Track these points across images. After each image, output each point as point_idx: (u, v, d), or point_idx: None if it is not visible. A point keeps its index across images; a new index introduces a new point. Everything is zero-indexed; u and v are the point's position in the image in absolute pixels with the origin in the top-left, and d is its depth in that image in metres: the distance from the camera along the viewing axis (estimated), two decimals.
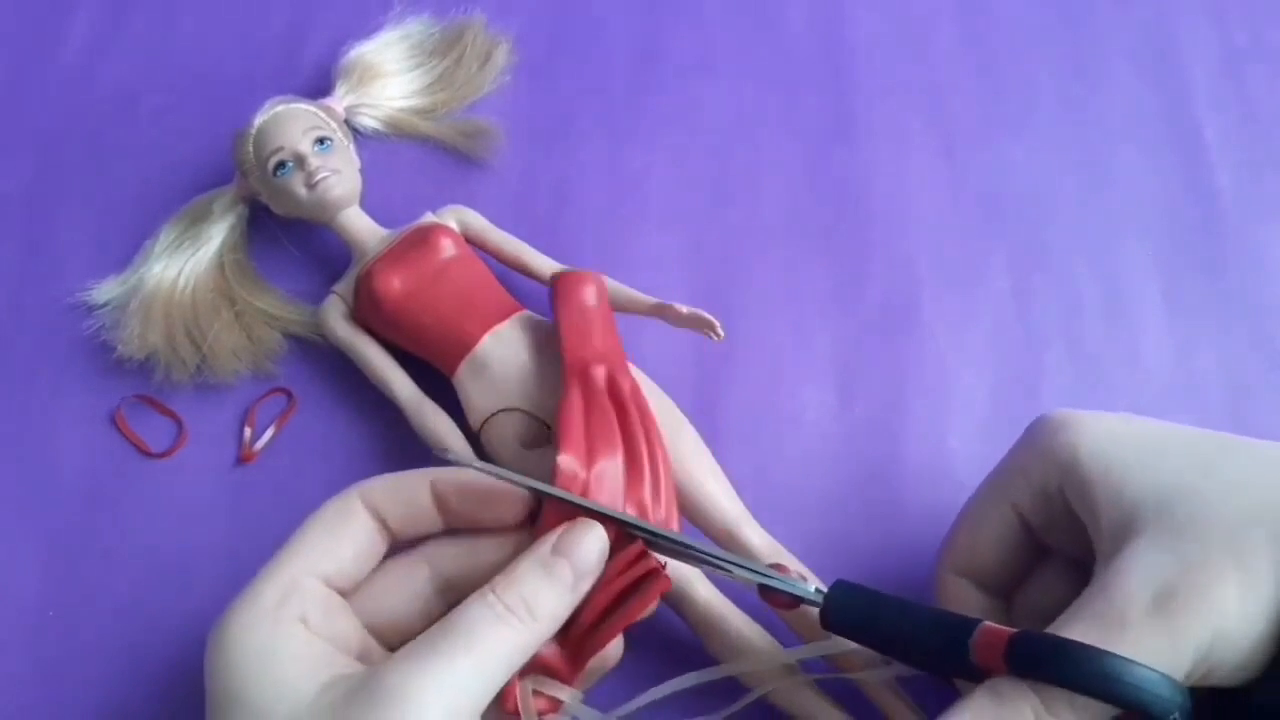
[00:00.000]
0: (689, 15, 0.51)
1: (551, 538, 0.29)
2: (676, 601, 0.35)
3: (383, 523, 0.30)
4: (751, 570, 0.30)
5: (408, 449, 0.40)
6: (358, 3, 0.50)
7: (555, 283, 0.39)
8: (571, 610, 0.29)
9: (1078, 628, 0.27)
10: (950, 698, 0.28)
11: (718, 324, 0.38)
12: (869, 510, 0.39)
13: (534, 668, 0.30)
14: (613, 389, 0.36)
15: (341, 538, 0.30)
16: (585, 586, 0.29)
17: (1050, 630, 0.27)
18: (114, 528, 0.39)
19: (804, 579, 0.31)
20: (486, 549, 0.31)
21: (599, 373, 0.36)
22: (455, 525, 0.31)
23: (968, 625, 0.28)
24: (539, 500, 0.31)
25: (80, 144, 0.48)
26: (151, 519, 0.40)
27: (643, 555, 0.30)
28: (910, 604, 0.30)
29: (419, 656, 0.26)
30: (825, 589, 0.30)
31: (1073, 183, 0.46)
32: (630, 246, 0.44)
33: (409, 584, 0.31)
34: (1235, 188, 0.46)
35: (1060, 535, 0.32)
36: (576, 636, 0.30)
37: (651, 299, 0.40)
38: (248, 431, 0.41)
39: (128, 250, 0.44)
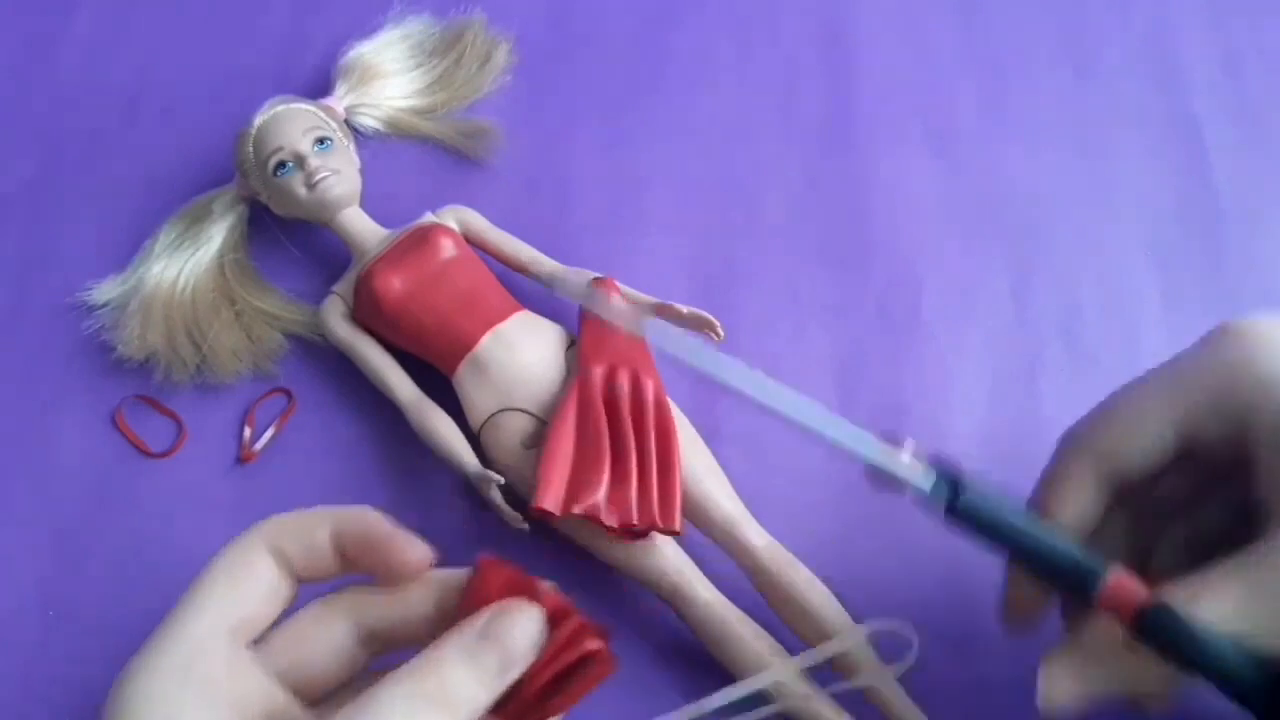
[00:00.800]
0: (689, 16, 0.51)
1: (480, 620, 0.26)
2: (676, 603, 0.35)
3: (287, 565, 0.28)
4: (860, 441, 0.28)
5: (408, 449, 0.40)
6: (358, 2, 0.50)
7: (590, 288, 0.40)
8: (495, 699, 0.26)
9: (1233, 590, 0.26)
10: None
11: (718, 324, 0.38)
12: (868, 510, 0.39)
13: None
14: (609, 389, 0.36)
15: (245, 586, 0.27)
16: (514, 674, 0.26)
17: (1201, 578, 0.27)
18: (114, 528, 0.39)
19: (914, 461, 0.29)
20: (410, 599, 0.28)
21: (598, 374, 0.36)
22: (354, 573, 0.28)
23: (1098, 567, 0.27)
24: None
25: (81, 144, 0.48)
26: (151, 519, 0.40)
27: (581, 633, 0.27)
28: (1033, 517, 0.29)
29: None
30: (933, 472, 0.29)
31: (1073, 183, 0.46)
32: (630, 247, 0.44)
33: (328, 635, 0.28)
34: (1235, 188, 0.46)
35: (1215, 452, 0.29)
36: (515, 711, 0.27)
37: (652, 299, 0.40)
38: (248, 431, 0.41)
39: (128, 250, 0.44)
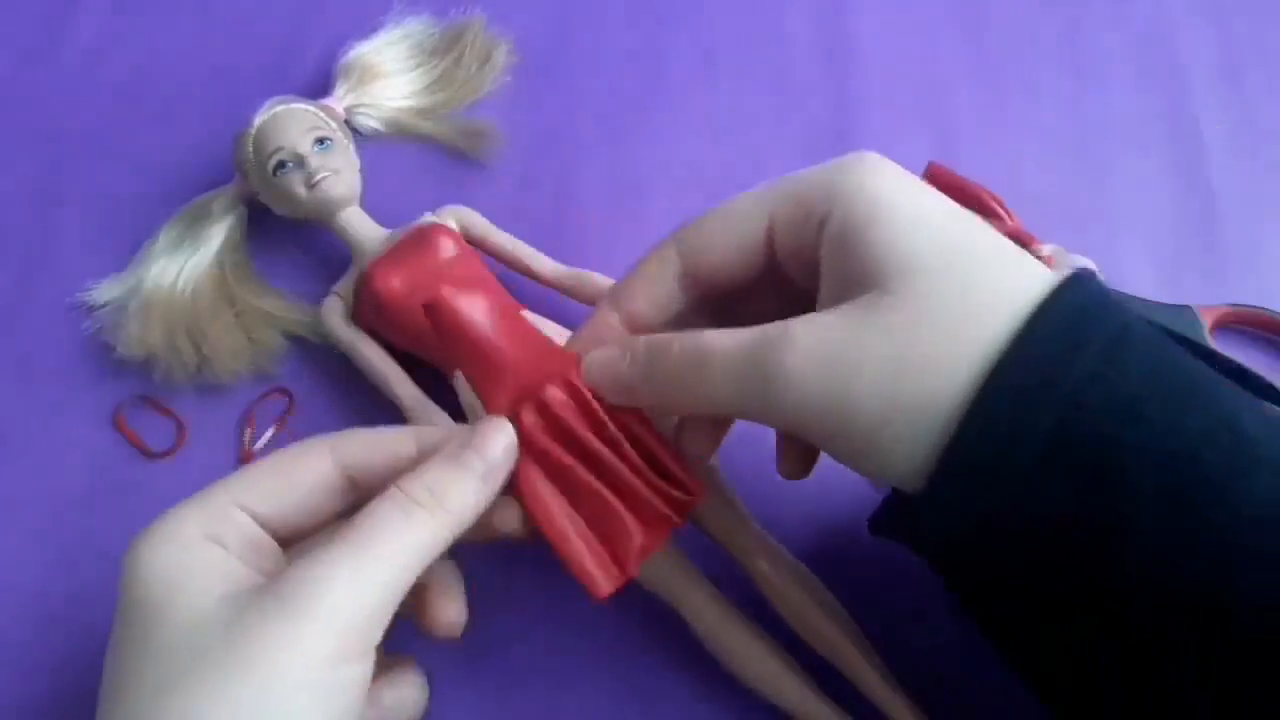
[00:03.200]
0: (689, 16, 0.51)
1: (460, 436, 0.29)
2: (680, 607, 0.35)
3: (350, 480, 0.29)
4: None
5: None
6: (358, 2, 0.50)
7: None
8: (486, 501, 0.28)
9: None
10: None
11: None
12: (867, 510, 0.39)
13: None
14: (551, 423, 0.30)
15: (293, 482, 0.28)
16: (498, 479, 0.28)
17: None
18: (114, 528, 0.39)
19: None
20: (395, 444, 0.29)
21: (530, 418, 0.30)
22: None
23: None
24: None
25: (81, 144, 0.48)
26: (151, 519, 0.39)
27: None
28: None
29: (325, 557, 0.25)
30: None
31: (1073, 183, 0.46)
32: (630, 246, 0.44)
33: (316, 471, 0.29)
34: (1235, 188, 0.46)
35: (798, 264, 0.29)
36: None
37: None
38: (247, 432, 0.41)
39: (128, 250, 0.44)
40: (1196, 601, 0.23)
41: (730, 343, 0.27)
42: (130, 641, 0.25)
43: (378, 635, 0.26)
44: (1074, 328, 0.25)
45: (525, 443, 0.30)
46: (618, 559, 0.30)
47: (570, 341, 0.32)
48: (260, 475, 0.28)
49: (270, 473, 0.28)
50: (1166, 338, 0.26)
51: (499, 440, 0.29)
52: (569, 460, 0.30)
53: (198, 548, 0.26)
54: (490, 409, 0.30)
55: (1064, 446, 0.24)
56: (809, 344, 0.26)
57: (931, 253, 0.26)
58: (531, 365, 0.31)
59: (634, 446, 0.31)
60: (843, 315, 0.26)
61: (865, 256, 0.27)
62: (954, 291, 0.26)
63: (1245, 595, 0.23)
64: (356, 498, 0.29)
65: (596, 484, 0.30)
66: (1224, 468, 0.23)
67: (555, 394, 0.30)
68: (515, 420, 0.30)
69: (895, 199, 0.27)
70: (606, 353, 0.30)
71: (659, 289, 0.31)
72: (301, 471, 0.28)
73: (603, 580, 0.30)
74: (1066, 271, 0.27)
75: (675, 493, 0.31)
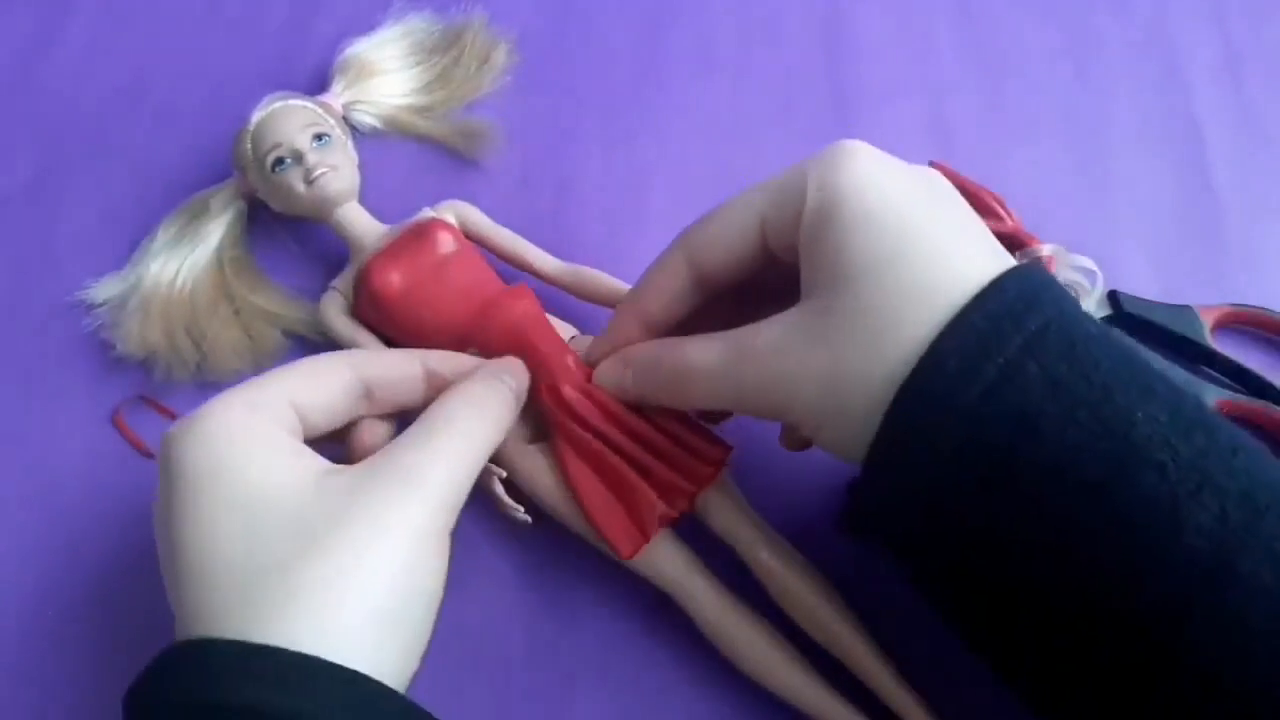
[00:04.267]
0: (689, 15, 0.51)
1: (491, 365, 0.34)
2: (681, 597, 0.35)
3: (368, 391, 0.32)
4: None
5: None
6: (358, 1, 0.50)
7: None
8: (516, 413, 0.33)
9: (714, 346, 0.31)
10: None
11: None
12: None
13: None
14: (567, 409, 0.35)
15: (322, 387, 0.31)
16: (522, 398, 0.34)
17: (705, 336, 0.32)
18: (114, 528, 0.39)
19: None
20: (406, 368, 0.33)
21: (568, 395, 0.35)
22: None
23: None
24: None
25: (80, 143, 0.48)
26: (151, 519, 0.39)
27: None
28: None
29: (421, 442, 0.29)
30: None
31: (1073, 183, 0.46)
32: (630, 246, 0.44)
33: (340, 380, 0.32)
34: (1235, 188, 0.46)
35: (789, 253, 0.31)
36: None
37: None
38: None
39: (127, 249, 0.44)
40: (1089, 608, 0.25)
41: (705, 358, 0.31)
42: (237, 524, 0.27)
43: (458, 512, 0.29)
44: (982, 339, 0.26)
45: (558, 424, 0.35)
46: (640, 524, 0.34)
47: (591, 347, 0.36)
48: (297, 376, 0.31)
49: (303, 375, 0.31)
50: (1089, 335, 0.27)
51: (520, 368, 0.35)
52: (594, 444, 0.35)
53: (276, 437, 0.29)
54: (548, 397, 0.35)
55: (966, 466, 0.26)
56: (763, 357, 0.29)
57: (868, 260, 0.27)
58: (553, 356, 0.36)
59: (654, 428, 0.35)
60: (794, 324, 0.29)
61: (818, 260, 0.29)
62: (884, 300, 0.27)
63: (1125, 611, 0.25)
64: (369, 409, 0.32)
65: (618, 461, 0.34)
66: (1107, 479, 0.25)
67: (571, 394, 0.35)
68: (540, 399, 0.35)
69: (853, 199, 0.28)
70: (610, 366, 0.34)
71: (670, 291, 0.33)
72: (329, 378, 0.31)
73: (625, 542, 0.34)
74: (1004, 265, 0.28)
75: (696, 463, 0.35)
